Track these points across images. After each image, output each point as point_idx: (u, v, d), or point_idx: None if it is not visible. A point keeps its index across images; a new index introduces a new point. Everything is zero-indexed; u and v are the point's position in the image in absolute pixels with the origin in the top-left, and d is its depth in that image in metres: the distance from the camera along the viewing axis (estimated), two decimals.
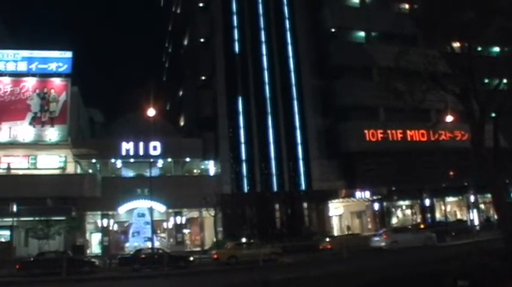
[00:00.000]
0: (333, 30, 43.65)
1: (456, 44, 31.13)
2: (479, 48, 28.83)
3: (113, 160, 38.24)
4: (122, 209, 35.76)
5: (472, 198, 44.63)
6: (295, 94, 42.36)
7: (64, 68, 38.48)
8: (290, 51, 43.55)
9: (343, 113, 42.12)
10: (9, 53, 38.33)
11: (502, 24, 28.92)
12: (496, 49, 32.25)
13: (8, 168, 35.99)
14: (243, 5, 44.27)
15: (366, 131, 41.76)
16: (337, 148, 41.58)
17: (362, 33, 46.07)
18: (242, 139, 40.35)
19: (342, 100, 42.00)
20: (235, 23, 43.81)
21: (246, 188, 39.47)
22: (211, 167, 41.11)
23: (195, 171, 42.13)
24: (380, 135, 42.07)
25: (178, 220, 37.48)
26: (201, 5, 46.03)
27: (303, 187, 40.83)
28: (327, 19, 43.60)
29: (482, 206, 45.96)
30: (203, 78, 43.94)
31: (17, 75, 37.90)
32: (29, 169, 36.50)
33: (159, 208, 35.13)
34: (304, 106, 42.10)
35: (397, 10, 43.97)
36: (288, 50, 43.63)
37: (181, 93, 50.34)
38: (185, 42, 50.57)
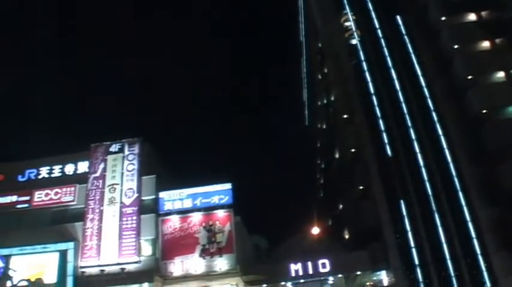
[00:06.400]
0: (483, 111, 46.17)
1: None
2: None
3: (283, 283, 43.03)
4: None
5: None
6: (458, 186, 44.39)
7: (225, 199, 45.43)
8: (444, 143, 46.53)
9: None
10: (175, 193, 46.42)
11: None
12: None
13: None
14: (385, 109, 49.78)
15: None
16: None
17: None
18: (411, 243, 42.69)
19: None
20: (382, 127, 48.86)
21: None
22: (383, 277, 43.86)
23: (367, 284, 44.96)
24: None
25: None
26: (345, 116, 52.49)
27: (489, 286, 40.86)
28: (473, 103, 46.19)
29: None
30: (360, 188, 48.74)
31: (183, 212, 45.73)
32: None
33: None
34: (470, 197, 43.52)
35: None
36: (441, 142, 46.63)
37: (340, 207, 55.39)
38: (336, 156, 56.69)
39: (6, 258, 40.30)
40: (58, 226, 46.79)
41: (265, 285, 43.51)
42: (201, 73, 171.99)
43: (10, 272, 29.11)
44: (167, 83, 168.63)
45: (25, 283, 31.08)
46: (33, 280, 33.99)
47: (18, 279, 29.01)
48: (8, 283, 29.64)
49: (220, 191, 46.15)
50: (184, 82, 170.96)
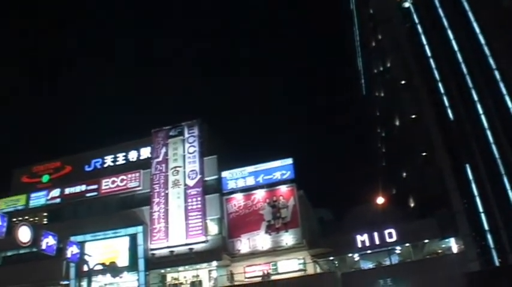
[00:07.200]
0: None
1: None
2: None
3: (349, 255, 43.23)
4: None
5: None
6: None
7: (287, 174, 45.74)
8: (509, 103, 44.62)
9: None
10: (237, 172, 47.34)
11: None
12: None
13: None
14: (444, 71, 48.41)
15: None
16: None
17: None
18: (480, 209, 41.64)
19: None
20: (441, 90, 47.63)
21: (496, 262, 39.85)
22: (452, 245, 43.06)
23: (436, 252, 44.29)
24: None
25: None
26: (402, 82, 51.50)
27: None
28: None
29: None
30: (423, 155, 47.88)
31: (246, 190, 46.58)
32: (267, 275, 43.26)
33: None
34: None
35: None
36: (505, 101, 44.69)
37: (404, 174, 54.72)
38: (397, 123, 55.85)
39: (81, 244, 42.19)
40: (126, 211, 48.88)
41: (332, 258, 43.90)
42: (258, 55, 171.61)
43: (86, 257, 30.82)
44: (219, 62, 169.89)
45: (100, 267, 32.79)
46: (107, 263, 35.65)
47: (93, 263, 30.69)
48: (85, 267, 31.37)
49: (281, 167, 46.59)
50: (238, 61, 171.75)
